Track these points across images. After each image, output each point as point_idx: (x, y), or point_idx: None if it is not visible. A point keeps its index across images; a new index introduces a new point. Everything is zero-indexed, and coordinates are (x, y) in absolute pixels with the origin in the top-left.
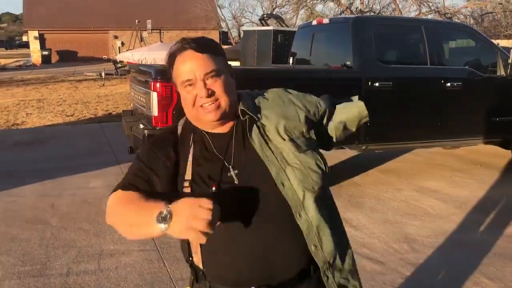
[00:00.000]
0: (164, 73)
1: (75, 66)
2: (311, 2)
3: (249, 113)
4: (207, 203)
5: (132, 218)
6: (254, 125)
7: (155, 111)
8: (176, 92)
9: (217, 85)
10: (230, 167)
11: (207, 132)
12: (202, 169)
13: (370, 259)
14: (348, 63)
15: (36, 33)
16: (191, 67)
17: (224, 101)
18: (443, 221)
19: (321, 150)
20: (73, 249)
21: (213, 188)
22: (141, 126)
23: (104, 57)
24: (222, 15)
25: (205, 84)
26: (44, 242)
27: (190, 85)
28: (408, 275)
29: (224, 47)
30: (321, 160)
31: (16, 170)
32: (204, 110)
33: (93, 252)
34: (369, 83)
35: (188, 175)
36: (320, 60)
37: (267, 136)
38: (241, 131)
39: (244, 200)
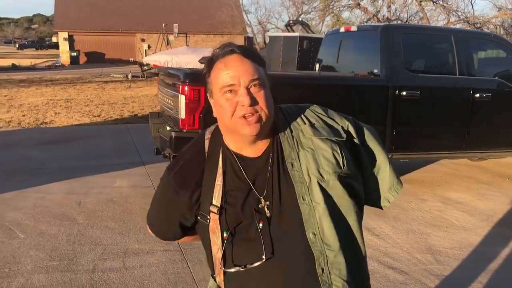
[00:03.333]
0: (192, 76)
1: (102, 67)
2: (338, 9)
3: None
4: None
5: None
6: (287, 132)
7: (182, 114)
8: (205, 98)
9: (260, 95)
10: (262, 198)
11: (237, 155)
12: (230, 197)
13: (393, 269)
14: (375, 71)
15: (65, 35)
16: (235, 72)
17: (265, 114)
18: (469, 234)
19: None
20: (99, 246)
21: (260, 225)
22: (168, 128)
23: (131, 60)
24: (248, 20)
25: (248, 92)
26: (71, 238)
27: (230, 91)
28: (431, 286)
29: None
30: (340, 153)
31: (44, 167)
32: (243, 121)
33: (118, 250)
34: (396, 91)
35: (217, 201)
36: (347, 67)
37: (298, 138)
38: (277, 154)
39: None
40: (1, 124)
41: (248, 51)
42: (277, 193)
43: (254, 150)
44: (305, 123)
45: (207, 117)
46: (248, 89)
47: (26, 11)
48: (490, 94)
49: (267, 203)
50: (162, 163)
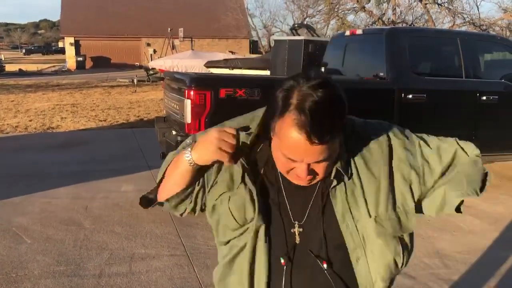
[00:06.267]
0: (198, 81)
1: (108, 72)
2: (343, 12)
3: (342, 172)
4: (231, 130)
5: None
6: (342, 184)
7: (188, 118)
8: (211, 103)
9: (320, 167)
10: (296, 223)
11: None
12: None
13: (400, 273)
14: (381, 74)
15: (72, 40)
16: (301, 153)
17: (319, 178)
18: (477, 237)
19: None
20: (105, 251)
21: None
22: (174, 132)
23: (137, 64)
24: (253, 24)
25: (308, 167)
26: (77, 243)
27: (290, 159)
28: None
29: (254, 56)
30: (402, 257)
31: (51, 172)
32: (296, 178)
33: (125, 255)
34: (402, 94)
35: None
36: (353, 70)
37: (354, 197)
38: (323, 184)
39: (300, 266)
40: (8, 129)
41: (322, 130)
42: (315, 216)
43: None
44: (369, 214)
45: (212, 122)
46: (309, 165)
47: (33, 17)
48: (496, 97)
49: (300, 230)
50: None
